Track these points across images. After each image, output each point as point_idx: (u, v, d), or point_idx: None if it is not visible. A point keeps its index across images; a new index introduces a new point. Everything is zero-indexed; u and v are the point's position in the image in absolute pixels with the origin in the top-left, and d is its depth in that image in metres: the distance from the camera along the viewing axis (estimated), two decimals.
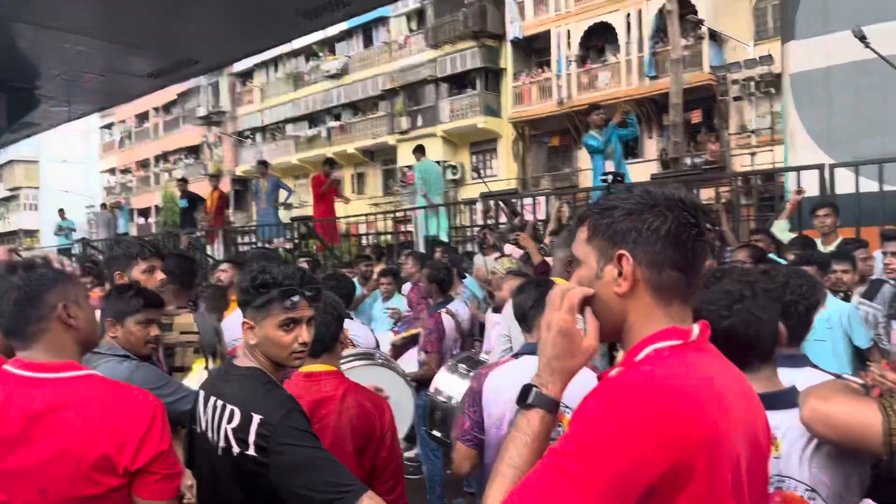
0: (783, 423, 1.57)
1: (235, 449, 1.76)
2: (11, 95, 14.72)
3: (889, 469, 1.48)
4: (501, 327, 3.51)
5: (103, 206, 17.38)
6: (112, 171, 43.14)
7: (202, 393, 1.92)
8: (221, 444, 1.79)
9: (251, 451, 1.74)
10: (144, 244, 2.95)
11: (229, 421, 1.78)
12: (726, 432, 1.08)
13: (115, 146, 42.92)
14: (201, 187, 21.81)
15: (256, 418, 1.74)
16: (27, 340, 1.68)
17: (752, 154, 18.40)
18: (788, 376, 1.74)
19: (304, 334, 1.88)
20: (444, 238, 9.51)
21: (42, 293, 1.68)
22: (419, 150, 10.48)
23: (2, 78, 13.88)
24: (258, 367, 1.87)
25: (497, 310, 4.33)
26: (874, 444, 1.43)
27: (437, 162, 26.25)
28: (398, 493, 2.20)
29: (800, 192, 5.77)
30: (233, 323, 3.70)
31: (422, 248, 9.26)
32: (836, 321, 3.91)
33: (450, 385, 3.20)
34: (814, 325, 4.09)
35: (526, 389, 1.20)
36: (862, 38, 5.02)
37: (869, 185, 5.58)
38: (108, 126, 43.19)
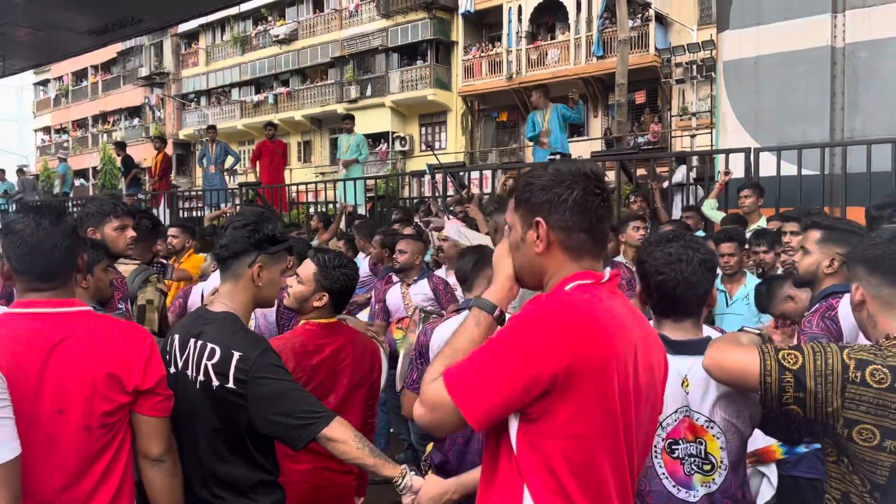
0: (693, 366, 1.87)
1: (215, 382, 1.97)
2: None
3: (765, 404, 1.79)
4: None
5: (20, 171, 16.77)
6: (47, 130, 41.48)
7: (177, 337, 2.11)
8: (201, 378, 1.99)
9: (230, 384, 1.95)
10: (118, 202, 3.08)
11: (210, 358, 1.98)
12: (620, 350, 1.38)
13: (51, 104, 41.21)
14: (143, 150, 21.27)
15: (236, 355, 1.96)
16: (55, 283, 1.83)
17: (692, 136, 18.99)
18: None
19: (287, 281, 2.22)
20: (360, 209, 9.88)
21: (77, 243, 1.89)
22: (351, 120, 10.68)
23: None
24: (232, 312, 2.09)
25: (398, 271, 4.62)
26: (753, 384, 1.72)
27: (386, 132, 26.35)
28: (375, 413, 2.79)
29: (727, 173, 6.16)
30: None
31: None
32: (753, 298, 4.31)
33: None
34: (734, 300, 4.49)
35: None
36: None
37: (789, 169, 5.98)
38: (43, 83, 41.38)
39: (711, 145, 16.62)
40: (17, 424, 1.62)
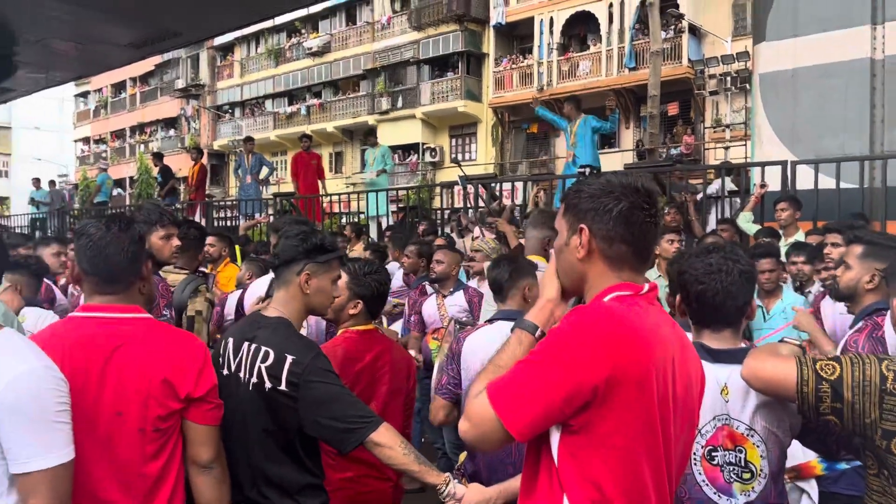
0: (732, 375, 1.88)
1: (268, 384, 2.03)
2: None
3: (803, 413, 1.79)
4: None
5: (52, 182, 17.03)
6: (86, 140, 42.51)
7: (231, 340, 2.18)
8: (254, 380, 2.06)
9: (283, 387, 2.01)
10: (164, 212, 3.17)
11: (264, 360, 2.05)
12: (659, 360, 1.39)
13: (90, 115, 42.26)
14: (178, 160, 21.66)
15: (289, 358, 2.02)
16: (119, 287, 1.91)
17: (726, 148, 18.80)
18: None
19: (337, 290, 2.31)
20: (384, 219, 10.08)
21: (143, 252, 1.97)
22: (374, 135, 11.02)
23: None
24: (286, 317, 2.15)
25: (434, 282, 4.66)
26: (790, 393, 1.73)
27: (416, 143, 26.53)
28: (410, 423, 2.82)
29: (763, 186, 6.11)
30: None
31: (373, 229, 9.69)
32: (791, 313, 4.25)
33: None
34: (771, 315, 4.44)
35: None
36: None
37: (827, 182, 5.91)
38: (84, 95, 42.47)
39: (746, 157, 16.43)
40: (78, 424, 1.67)
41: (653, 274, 4.86)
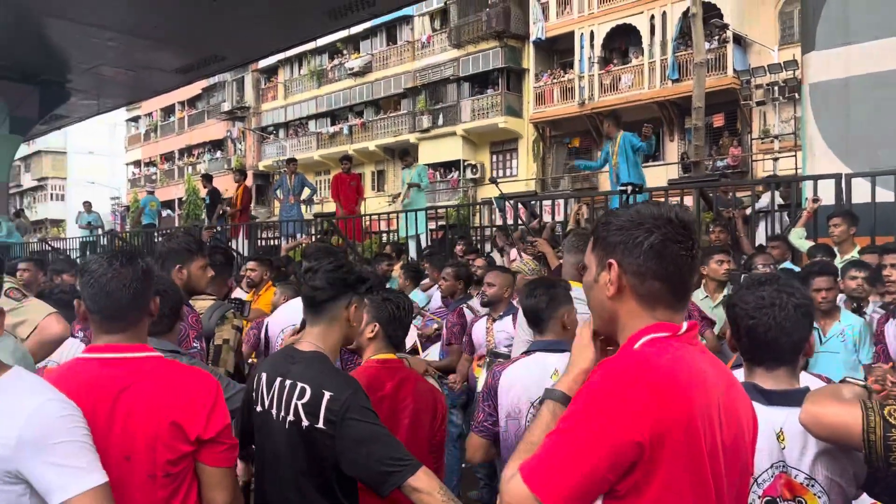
0: (788, 419, 1.72)
1: (305, 422, 1.95)
2: (44, 88, 15.11)
3: (871, 463, 1.62)
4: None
5: (88, 204, 17.16)
6: (137, 163, 43.79)
7: (264, 375, 2.10)
8: (290, 417, 1.98)
9: (320, 424, 1.93)
10: (202, 242, 3.14)
11: (300, 397, 1.97)
12: (703, 408, 1.25)
13: (141, 139, 43.55)
14: (224, 181, 22.09)
15: (327, 395, 1.94)
16: (124, 325, 1.83)
17: (775, 159, 18.33)
18: None
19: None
20: (422, 238, 10.02)
21: (149, 287, 1.88)
22: (409, 155, 11.04)
23: (35, 72, 14.28)
24: (322, 351, 2.08)
25: (485, 305, 4.53)
26: (856, 441, 1.57)
27: (457, 160, 26.55)
28: (441, 468, 2.62)
29: (816, 200, 5.85)
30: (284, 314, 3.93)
31: (412, 248, 9.65)
32: (849, 335, 4.02)
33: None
34: (828, 337, 4.22)
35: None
36: None
37: (885, 195, 5.64)
38: (135, 119, 43.82)
39: (796, 168, 15.96)
40: None
41: (699, 295, 4.67)
